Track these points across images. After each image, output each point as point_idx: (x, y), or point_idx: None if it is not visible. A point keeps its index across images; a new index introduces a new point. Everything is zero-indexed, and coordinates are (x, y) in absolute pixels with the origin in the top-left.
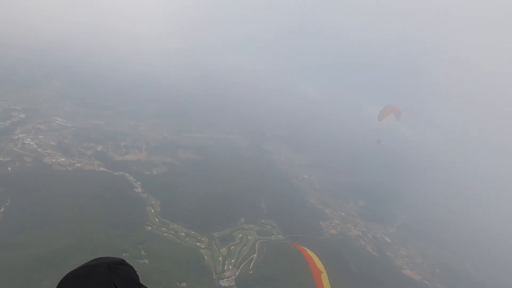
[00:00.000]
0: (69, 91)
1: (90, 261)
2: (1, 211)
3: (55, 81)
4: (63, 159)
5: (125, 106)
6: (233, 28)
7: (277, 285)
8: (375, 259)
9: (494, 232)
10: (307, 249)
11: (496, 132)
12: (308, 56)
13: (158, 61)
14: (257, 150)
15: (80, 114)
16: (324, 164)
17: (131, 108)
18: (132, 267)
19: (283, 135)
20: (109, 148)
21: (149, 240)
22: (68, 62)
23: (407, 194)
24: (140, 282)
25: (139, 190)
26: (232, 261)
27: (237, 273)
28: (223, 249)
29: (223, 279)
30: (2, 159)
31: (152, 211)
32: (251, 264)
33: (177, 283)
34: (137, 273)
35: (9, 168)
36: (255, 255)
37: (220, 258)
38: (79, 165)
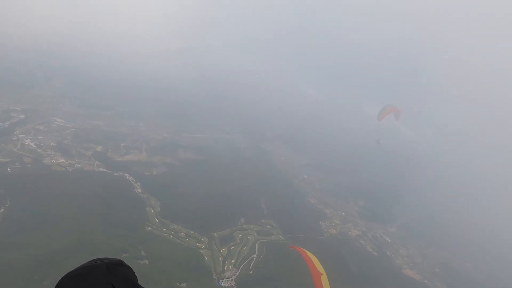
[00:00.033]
0: (69, 92)
1: (89, 261)
2: (0, 212)
3: (54, 82)
4: (63, 160)
5: (125, 106)
6: (233, 28)
7: (277, 285)
8: (375, 258)
9: (494, 231)
10: (307, 251)
11: (496, 132)
12: (308, 56)
13: (158, 61)
14: (257, 150)
15: (79, 114)
16: (324, 164)
17: (131, 108)
18: (130, 268)
19: (283, 135)
20: (109, 149)
21: (149, 241)
22: (67, 62)
23: (407, 194)
24: (139, 283)
25: (139, 190)
26: (232, 261)
27: (237, 273)
28: (223, 249)
29: (223, 279)
30: (1, 160)
31: (152, 211)
32: (251, 264)
33: (177, 284)
34: (136, 274)
35: (8, 169)
36: (255, 255)
37: (220, 258)
38: (79, 165)
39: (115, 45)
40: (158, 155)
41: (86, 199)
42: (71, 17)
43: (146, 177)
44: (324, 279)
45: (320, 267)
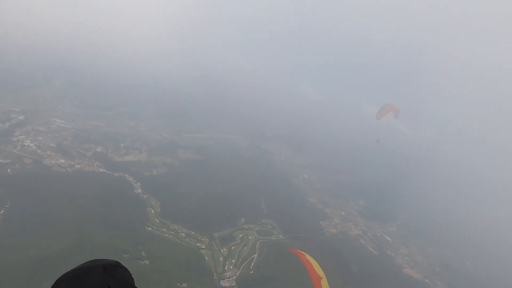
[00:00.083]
0: (69, 92)
1: (85, 262)
2: (1, 213)
3: (54, 82)
4: (63, 161)
5: (124, 107)
6: (233, 28)
7: (278, 285)
8: (376, 258)
9: (495, 231)
10: (306, 254)
11: (496, 131)
12: (308, 56)
13: (158, 61)
14: (257, 150)
15: (79, 115)
16: (324, 164)
17: (130, 109)
18: (127, 269)
19: (283, 135)
20: (109, 149)
21: (149, 241)
22: (67, 62)
23: (407, 193)
24: (136, 285)
25: (139, 191)
26: (233, 261)
27: (237, 273)
28: (224, 249)
29: (224, 279)
30: (1, 161)
31: (152, 211)
32: (252, 264)
33: (178, 284)
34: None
35: (8, 170)
36: (255, 255)
37: (220, 258)
38: (79, 166)
39: (115, 45)
40: (158, 155)
41: (86, 199)
42: (71, 17)
43: (146, 178)
44: (325, 284)
45: (320, 271)
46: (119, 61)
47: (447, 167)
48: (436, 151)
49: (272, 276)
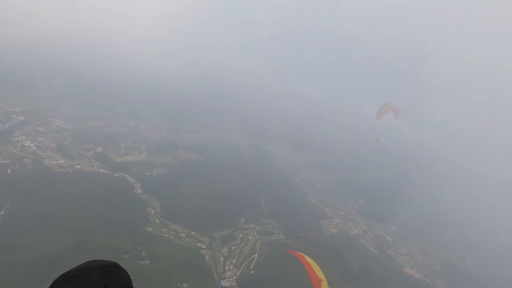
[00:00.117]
0: (69, 92)
1: (83, 263)
2: (1, 214)
3: (54, 82)
4: (63, 161)
5: (124, 107)
6: (233, 28)
7: (279, 285)
8: (376, 257)
9: (495, 230)
10: (305, 256)
11: (496, 130)
12: (308, 56)
13: (158, 61)
14: (257, 150)
15: (79, 115)
16: (324, 164)
17: (130, 109)
18: (125, 270)
19: (283, 135)
20: (109, 150)
21: (149, 241)
22: (67, 63)
23: (407, 193)
24: (134, 286)
25: (139, 191)
26: (233, 261)
27: (238, 273)
28: (224, 249)
29: (224, 279)
30: (1, 161)
31: (153, 212)
32: (252, 264)
33: (178, 284)
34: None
35: (8, 171)
36: (256, 255)
37: (221, 258)
38: (79, 166)
39: (115, 45)
40: (158, 156)
41: (86, 200)
42: (71, 17)
43: (146, 178)
44: (325, 286)
45: (320, 273)
46: (119, 61)
47: (447, 167)
48: (436, 150)
49: (273, 276)
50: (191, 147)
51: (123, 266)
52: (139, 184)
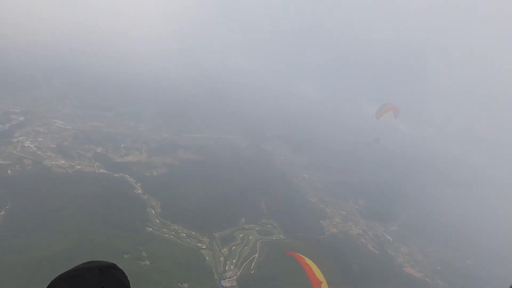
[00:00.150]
0: (69, 93)
1: (81, 264)
2: (1, 214)
3: (54, 83)
4: (63, 162)
5: (124, 107)
6: (233, 28)
7: (279, 285)
8: (376, 257)
9: (495, 229)
10: (305, 257)
11: (496, 130)
12: (308, 56)
13: (158, 61)
14: (257, 150)
15: (79, 116)
16: (324, 164)
17: (130, 109)
18: (123, 271)
19: (283, 135)
20: (109, 150)
21: (150, 241)
22: (67, 63)
23: (407, 192)
24: (131, 286)
25: (140, 191)
26: (234, 261)
27: (238, 273)
28: (224, 249)
29: (225, 279)
30: (1, 162)
31: (153, 212)
32: (253, 264)
33: (179, 284)
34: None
35: (9, 171)
36: (256, 255)
37: (221, 258)
38: (79, 167)
39: (115, 45)
40: (158, 156)
41: (86, 200)
42: (71, 17)
43: (146, 178)
44: None
45: (320, 275)
46: (119, 61)
47: (447, 167)
48: (436, 150)
49: (273, 275)
50: (191, 147)
51: (123, 266)
52: (139, 184)
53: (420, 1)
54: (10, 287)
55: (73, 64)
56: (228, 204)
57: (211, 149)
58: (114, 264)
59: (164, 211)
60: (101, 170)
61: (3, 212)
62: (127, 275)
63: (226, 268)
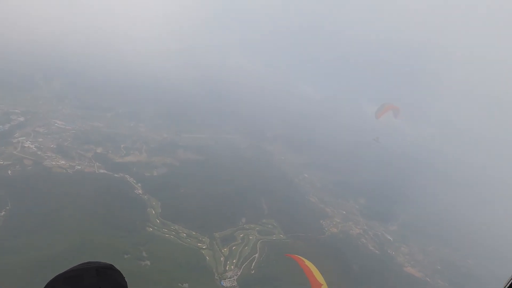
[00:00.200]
0: (69, 93)
1: (79, 265)
2: (1, 215)
3: (54, 83)
4: (63, 162)
5: (124, 107)
6: (233, 28)
7: (280, 285)
8: (377, 257)
9: (496, 228)
10: (305, 260)
11: (497, 129)
12: (308, 56)
13: (158, 61)
14: (257, 150)
15: (79, 116)
16: (325, 163)
17: (130, 109)
18: (120, 272)
19: (283, 135)
20: (109, 150)
21: (150, 242)
22: (67, 63)
23: (407, 192)
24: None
25: (140, 191)
26: (234, 261)
27: (239, 273)
28: (225, 249)
29: (225, 279)
30: (2, 162)
31: (153, 212)
32: (253, 264)
33: (179, 284)
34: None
35: (9, 172)
36: (256, 255)
37: (221, 258)
38: (79, 167)
39: (115, 45)
40: (158, 156)
41: (86, 200)
42: (71, 17)
43: (146, 178)
44: None
45: (320, 277)
46: (119, 61)
47: (448, 166)
48: (436, 150)
49: (274, 275)
50: (191, 147)
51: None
52: (139, 184)
53: (420, 1)
54: (10, 287)
55: (73, 64)
56: (228, 204)
57: (211, 149)
58: (111, 265)
59: (164, 211)
60: (101, 171)
61: (3, 212)
62: (127, 275)
63: (227, 268)
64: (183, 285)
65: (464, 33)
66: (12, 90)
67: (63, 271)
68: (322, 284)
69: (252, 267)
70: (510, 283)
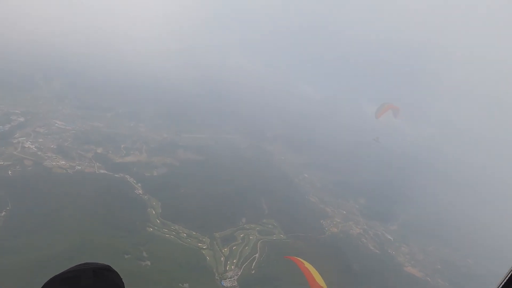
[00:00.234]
0: (69, 93)
1: (75, 266)
2: (2, 215)
3: (54, 83)
4: (63, 162)
5: (124, 107)
6: (233, 28)
7: (280, 285)
8: (377, 256)
9: (496, 228)
10: (304, 262)
11: (497, 129)
12: (308, 56)
13: (158, 61)
14: (257, 150)
15: (79, 116)
16: (325, 163)
17: (130, 109)
18: (117, 273)
19: (283, 135)
20: (109, 150)
21: (150, 242)
22: (67, 63)
23: (407, 191)
24: None
25: (140, 191)
26: (234, 261)
27: (239, 273)
28: (225, 249)
29: (226, 279)
30: (2, 163)
31: (153, 212)
32: (253, 264)
33: (179, 284)
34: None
35: (9, 172)
36: (257, 255)
37: (222, 258)
38: (80, 167)
39: (115, 45)
40: (159, 156)
41: (87, 200)
42: (71, 17)
43: (146, 178)
44: None
45: (320, 280)
46: (119, 61)
47: (448, 166)
48: (436, 149)
49: (274, 275)
50: (191, 147)
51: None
52: (139, 184)
53: (420, 1)
54: (10, 287)
55: (73, 64)
56: (228, 204)
57: (211, 149)
58: (108, 266)
59: (164, 211)
60: (102, 171)
61: (3, 212)
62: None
63: (227, 268)
64: (183, 285)
65: (464, 33)
66: (12, 90)
67: (60, 272)
68: (323, 287)
69: (252, 267)
70: (503, 283)
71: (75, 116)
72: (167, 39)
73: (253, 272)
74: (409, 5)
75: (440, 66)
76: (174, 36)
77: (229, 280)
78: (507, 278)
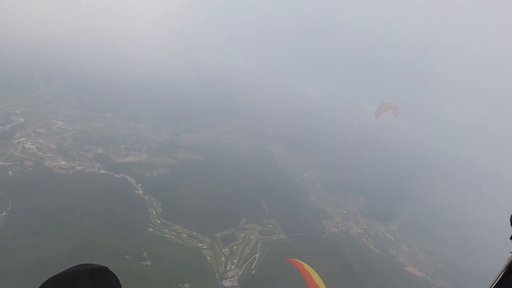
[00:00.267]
0: (69, 94)
1: (73, 267)
2: (2, 216)
3: (54, 84)
4: (64, 163)
5: (125, 108)
6: (233, 28)
7: (280, 285)
8: (378, 256)
9: (496, 227)
10: (304, 264)
11: (498, 127)
12: (308, 55)
13: (158, 61)
14: (257, 150)
15: (79, 117)
16: (325, 163)
17: (131, 110)
18: (115, 275)
19: (283, 134)
20: (110, 151)
21: (151, 242)
22: (67, 64)
23: (408, 191)
24: None
25: (140, 192)
26: (235, 261)
27: (239, 273)
28: (225, 249)
29: (226, 279)
30: (2, 163)
31: (154, 212)
32: (254, 264)
33: (180, 284)
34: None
35: (10, 173)
36: (257, 255)
37: (222, 258)
38: (80, 168)
39: (115, 45)
40: (159, 156)
41: (87, 201)
42: (71, 18)
43: (147, 178)
44: None
45: (320, 283)
46: (119, 62)
47: (448, 165)
48: (437, 148)
49: (274, 275)
50: (191, 148)
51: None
52: (140, 185)
53: (420, 1)
54: (10, 287)
55: (73, 64)
56: (228, 204)
57: (211, 149)
58: (106, 267)
59: (165, 211)
60: (102, 171)
61: (4, 213)
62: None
63: (227, 268)
64: (184, 285)
65: (463, 32)
66: (13, 91)
67: (57, 273)
68: None
69: (253, 267)
70: (496, 282)
71: (75, 117)
72: (167, 39)
73: (254, 272)
74: (409, 5)
75: (439, 66)
76: (174, 36)
77: (230, 280)
78: (499, 278)
